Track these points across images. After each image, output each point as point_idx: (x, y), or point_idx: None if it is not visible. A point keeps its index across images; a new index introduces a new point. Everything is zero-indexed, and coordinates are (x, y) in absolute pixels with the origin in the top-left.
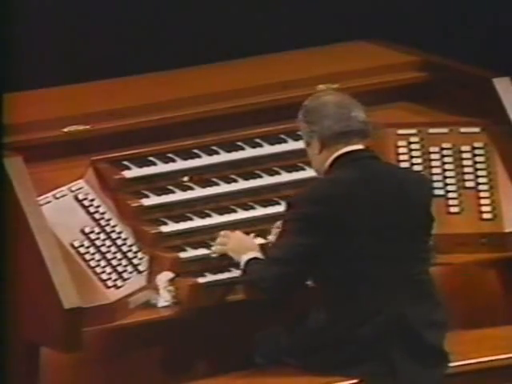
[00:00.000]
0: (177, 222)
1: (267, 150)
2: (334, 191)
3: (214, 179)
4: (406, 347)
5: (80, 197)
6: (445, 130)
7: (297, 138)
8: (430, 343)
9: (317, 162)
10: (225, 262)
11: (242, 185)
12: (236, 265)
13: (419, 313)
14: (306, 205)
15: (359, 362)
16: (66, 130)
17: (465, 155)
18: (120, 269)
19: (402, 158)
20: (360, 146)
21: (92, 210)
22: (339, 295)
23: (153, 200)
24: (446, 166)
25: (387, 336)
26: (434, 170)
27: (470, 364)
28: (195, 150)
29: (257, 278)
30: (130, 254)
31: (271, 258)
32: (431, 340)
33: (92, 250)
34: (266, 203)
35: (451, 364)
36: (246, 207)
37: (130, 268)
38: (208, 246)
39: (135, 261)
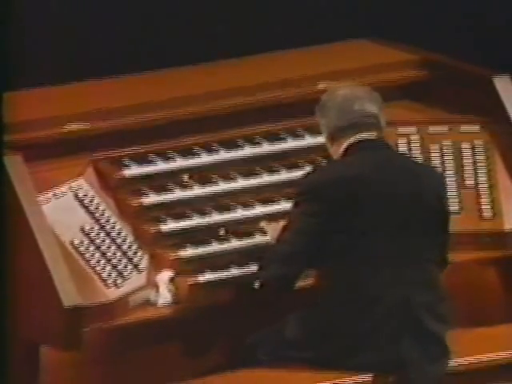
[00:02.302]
0: (177, 220)
1: (267, 148)
2: (342, 173)
3: (214, 177)
4: (411, 335)
5: (80, 195)
6: (445, 129)
7: (297, 137)
8: (433, 332)
9: (332, 153)
10: (224, 260)
11: (242, 183)
12: (236, 264)
13: (423, 303)
14: (311, 187)
15: (364, 351)
16: (65, 128)
17: (465, 153)
18: (120, 267)
19: None
20: (369, 135)
21: (92, 208)
22: (344, 281)
23: (153, 198)
24: (446, 165)
25: (392, 323)
26: None
27: (470, 363)
28: (195, 149)
29: (264, 261)
30: (129, 253)
31: (280, 239)
32: (434, 330)
33: (92, 248)
34: (265, 202)
35: (451, 363)
36: (246, 205)
37: (129, 266)
38: (208, 244)
39: (135, 259)
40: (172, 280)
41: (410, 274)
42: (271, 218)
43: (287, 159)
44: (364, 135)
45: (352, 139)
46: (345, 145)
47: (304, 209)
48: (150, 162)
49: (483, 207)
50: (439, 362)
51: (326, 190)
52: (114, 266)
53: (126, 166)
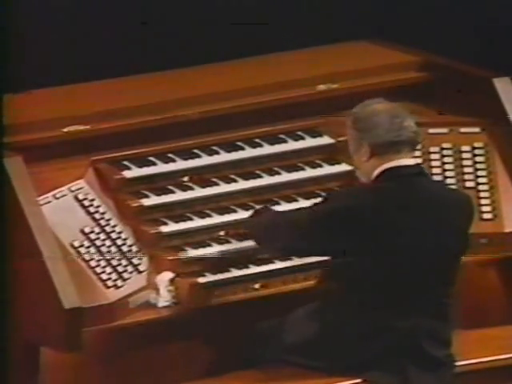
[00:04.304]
0: (177, 222)
1: (267, 149)
2: (374, 202)
3: (214, 179)
4: (417, 361)
5: (80, 197)
6: (445, 130)
7: (297, 138)
8: (438, 357)
9: (364, 169)
10: (224, 261)
11: (242, 185)
12: (236, 265)
13: (431, 332)
14: (342, 206)
15: (368, 369)
16: (66, 130)
17: (465, 155)
18: (120, 269)
19: None
20: (409, 161)
21: (92, 210)
22: (357, 303)
23: (153, 200)
24: (446, 166)
25: (399, 350)
26: (434, 170)
27: (471, 364)
28: (195, 150)
29: (273, 237)
30: (129, 254)
31: (297, 226)
32: (439, 355)
33: (92, 250)
34: (265, 203)
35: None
36: (246, 207)
37: (129, 268)
38: (208, 246)
39: (135, 261)
40: (172, 281)
41: (424, 306)
42: None
43: (287, 161)
44: (404, 160)
45: (392, 163)
46: (384, 166)
47: (329, 227)
48: (150, 164)
49: (483, 209)
50: (444, 377)
51: (354, 216)
52: (114, 268)
53: (127, 167)
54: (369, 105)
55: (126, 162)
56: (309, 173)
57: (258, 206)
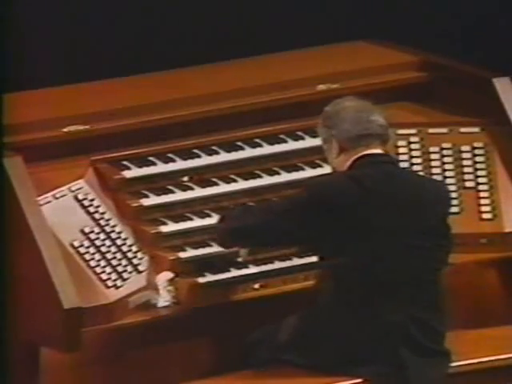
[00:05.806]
0: (177, 221)
1: (267, 149)
2: (350, 187)
3: (214, 179)
4: (410, 352)
5: (80, 197)
6: (444, 130)
7: (297, 138)
8: (432, 349)
9: (336, 166)
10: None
11: (242, 185)
12: (236, 264)
13: (423, 321)
14: (317, 194)
15: (362, 362)
16: (65, 129)
17: (465, 155)
18: (120, 269)
19: (401, 158)
20: (379, 151)
21: (92, 209)
22: (348, 296)
23: (153, 200)
24: (446, 166)
25: (391, 340)
26: (434, 170)
27: (470, 364)
28: (195, 150)
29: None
30: (129, 254)
31: (271, 209)
32: (433, 347)
33: (92, 249)
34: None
35: (451, 364)
36: None
37: (129, 268)
38: (208, 246)
39: (135, 261)
40: (172, 281)
41: (413, 294)
42: None
43: (287, 161)
44: (374, 150)
45: (362, 152)
46: (354, 157)
47: (304, 216)
48: (150, 164)
49: (483, 208)
50: (439, 372)
51: (335, 202)
52: (114, 268)
53: (126, 167)
54: (338, 103)
55: (125, 162)
56: (309, 173)
57: None
